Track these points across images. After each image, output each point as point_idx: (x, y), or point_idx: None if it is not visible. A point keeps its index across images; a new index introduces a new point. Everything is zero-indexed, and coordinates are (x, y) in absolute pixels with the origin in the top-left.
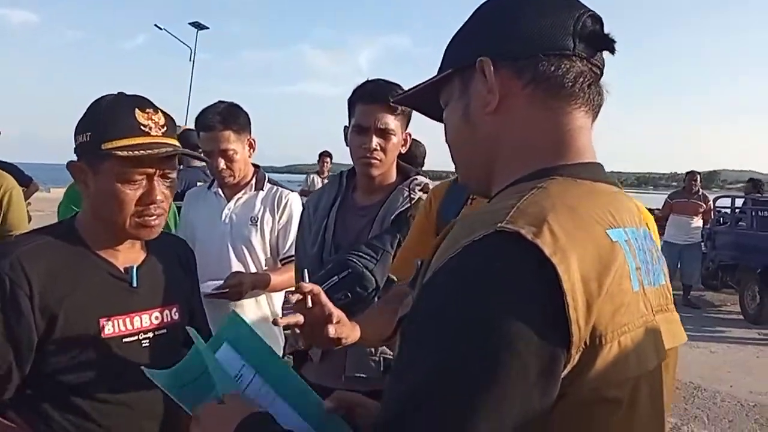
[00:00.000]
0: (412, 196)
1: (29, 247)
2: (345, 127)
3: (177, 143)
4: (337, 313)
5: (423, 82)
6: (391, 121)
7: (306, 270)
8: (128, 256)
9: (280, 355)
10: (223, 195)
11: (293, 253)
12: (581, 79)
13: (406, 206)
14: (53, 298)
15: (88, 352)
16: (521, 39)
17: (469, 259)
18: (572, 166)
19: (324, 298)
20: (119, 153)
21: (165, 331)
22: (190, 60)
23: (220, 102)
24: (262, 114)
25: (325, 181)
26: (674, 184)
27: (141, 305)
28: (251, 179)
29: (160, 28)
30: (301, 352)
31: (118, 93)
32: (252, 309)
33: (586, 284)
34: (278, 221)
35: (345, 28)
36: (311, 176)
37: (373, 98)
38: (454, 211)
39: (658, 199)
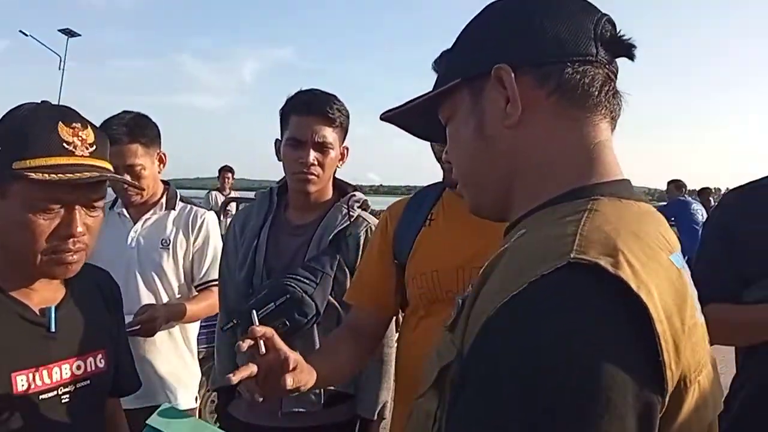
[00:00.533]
0: (351, 213)
1: None
2: (276, 140)
3: (109, 165)
4: (294, 357)
5: (422, 96)
6: (329, 134)
7: (254, 311)
8: (44, 295)
9: (196, 390)
10: (128, 216)
11: (212, 278)
12: (606, 88)
13: (345, 224)
14: None
15: None
16: (543, 43)
17: (542, 296)
18: (608, 184)
19: (279, 341)
20: (32, 175)
21: (88, 382)
22: (59, 69)
23: (125, 112)
24: None
25: (232, 195)
26: None
27: (60, 354)
28: (161, 198)
29: (26, 35)
30: (228, 388)
31: (41, 102)
32: (164, 343)
33: (670, 321)
34: (193, 243)
35: (227, 39)
36: (212, 193)
37: (309, 109)
38: (413, 232)
39: None
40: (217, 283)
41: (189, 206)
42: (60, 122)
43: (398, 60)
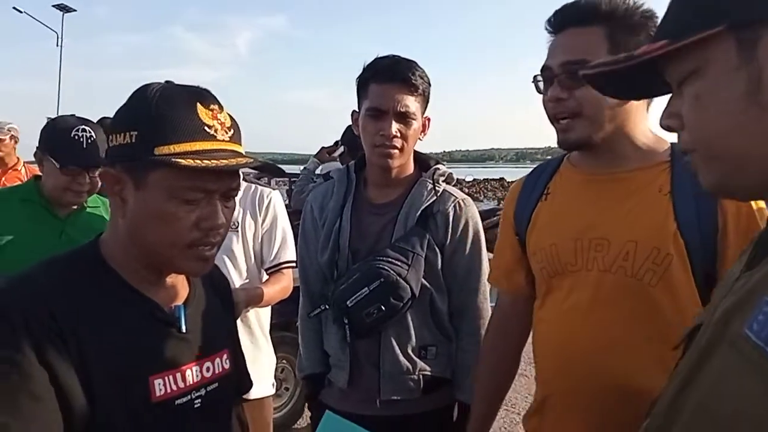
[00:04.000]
0: (437, 188)
1: (51, 285)
2: (353, 111)
3: (243, 151)
4: None
5: (656, 49)
6: (412, 103)
7: None
8: (172, 291)
9: (272, 377)
10: None
11: (283, 260)
12: None
13: (432, 200)
14: (92, 354)
15: (134, 424)
16: None
17: None
18: None
19: None
20: (181, 161)
21: (217, 385)
22: (57, 45)
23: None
24: None
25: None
26: (549, 157)
27: (191, 355)
28: None
29: (20, 11)
30: (317, 376)
31: (167, 82)
32: (239, 328)
33: None
34: (261, 225)
35: (220, 9)
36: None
37: (391, 77)
38: (530, 206)
39: None
40: (288, 265)
41: (254, 186)
42: (198, 104)
43: (393, 24)
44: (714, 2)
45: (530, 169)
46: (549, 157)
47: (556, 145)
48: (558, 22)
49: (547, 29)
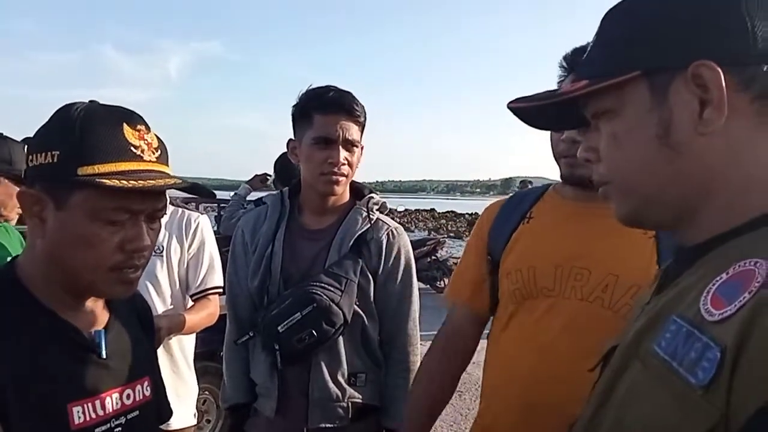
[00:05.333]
0: (371, 216)
1: None
2: (290, 140)
3: (171, 172)
4: None
5: (578, 89)
6: (356, 132)
7: None
8: (92, 316)
9: (194, 407)
10: None
11: (209, 285)
12: None
13: (366, 228)
14: (8, 381)
15: None
16: (749, 38)
17: None
18: None
19: None
20: (105, 182)
21: (137, 413)
22: None
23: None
24: None
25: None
26: (477, 190)
27: (112, 382)
28: None
29: None
30: (242, 406)
31: (92, 101)
32: (160, 356)
33: None
34: (188, 249)
35: (153, 32)
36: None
37: (338, 107)
38: (509, 228)
39: (465, 204)
40: (215, 291)
41: (180, 210)
42: (124, 124)
43: (327, 53)
44: (630, 49)
45: (460, 201)
46: (477, 190)
47: (483, 179)
48: (568, 64)
49: (561, 65)
